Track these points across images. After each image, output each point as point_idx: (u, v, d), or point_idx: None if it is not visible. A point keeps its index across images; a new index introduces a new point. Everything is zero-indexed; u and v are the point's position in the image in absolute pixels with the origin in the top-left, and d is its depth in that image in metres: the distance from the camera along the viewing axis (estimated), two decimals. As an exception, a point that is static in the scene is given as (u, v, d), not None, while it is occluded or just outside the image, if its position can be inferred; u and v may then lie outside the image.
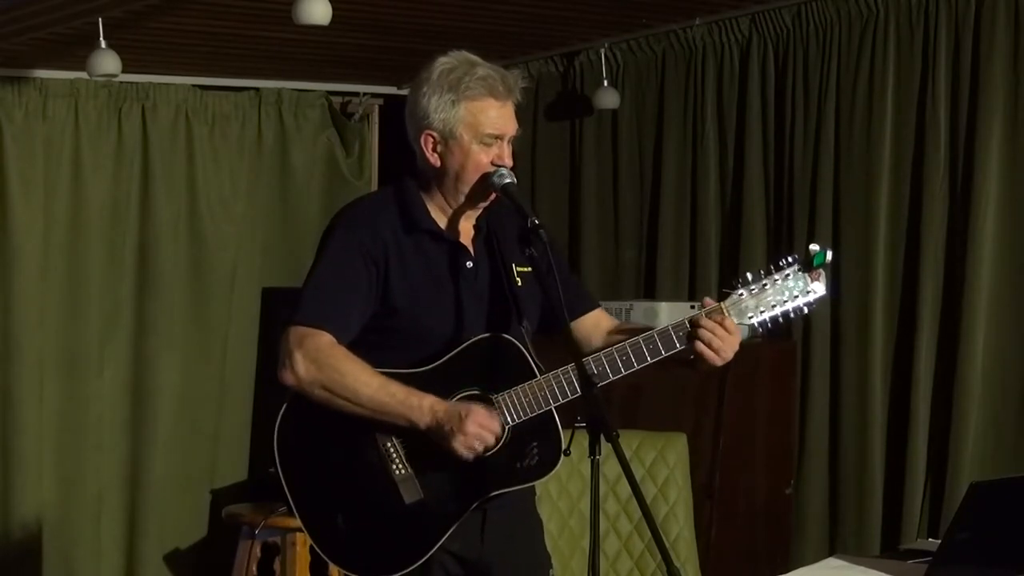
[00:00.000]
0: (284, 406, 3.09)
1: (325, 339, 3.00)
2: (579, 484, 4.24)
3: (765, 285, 3.03)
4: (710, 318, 3.01)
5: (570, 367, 2.97)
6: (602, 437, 2.76)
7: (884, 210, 5.13)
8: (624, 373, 3.02)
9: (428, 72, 3.08)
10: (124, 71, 5.33)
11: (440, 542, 3.02)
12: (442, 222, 3.12)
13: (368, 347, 3.03)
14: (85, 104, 6.16)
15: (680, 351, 3.03)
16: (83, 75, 5.64)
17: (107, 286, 6.25)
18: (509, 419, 2.99)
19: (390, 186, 3.19)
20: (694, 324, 3.01)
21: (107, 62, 5.17)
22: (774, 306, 3.04)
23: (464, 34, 5.36)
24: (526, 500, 3.22)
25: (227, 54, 5.99)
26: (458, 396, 3.02)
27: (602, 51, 5.96)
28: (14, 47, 5.56)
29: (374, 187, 6.79)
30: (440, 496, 3.02)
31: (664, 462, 4.36)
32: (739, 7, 5.50)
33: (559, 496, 4.26)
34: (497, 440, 2.98)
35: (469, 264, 3.11)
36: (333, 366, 2.98)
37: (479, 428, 2.95)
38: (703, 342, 3.00)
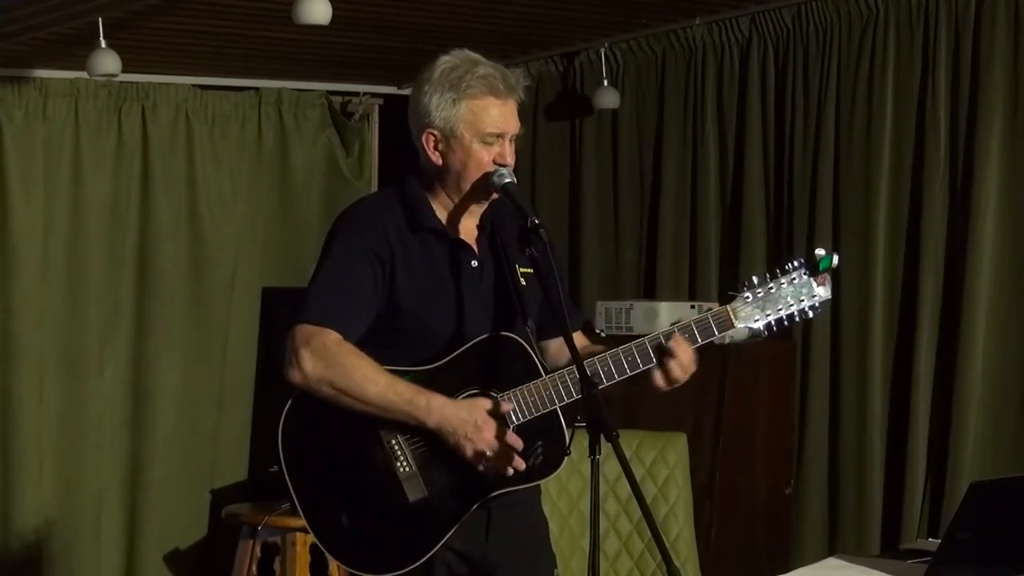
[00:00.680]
0: (288, 404, 3.08)
1: (332, 337, 3.00)
2: (579, 484, 4.24)
3: (771, 288, 3.04)
4: (717, 321, 3.02)
5: (567, 370, 2.97)
6: (602, 437, 2.76)
7: (884, 210, 5.13)
8: (629, 374, 3.03)
9: (430, 71, 3.08)
10: (124, 71, 5.33)
11: (443, 540, 3.02)
12: (446, 221, 3.12)
13: (373, 346, 3.03)
14: (85, 104, 6.16)
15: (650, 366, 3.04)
16: (83, 75, 5.64)
17: (107, 286, 6.25)
18: (514, 418, 2.99)
19: (394, 185, 3.19)
20: (665, 352, 3.01)
21: (107, 62, 5.17)
22: (779, 309, 3.04)
23: (464, 34, 5.36)
24: (531, 500, 3.22)
25: (227, 54, 5.99)
26: (462, 396, 3.03)
27: (602, 51, 5.96)
28: (14, 47, 5.56)
29: (374, 187, 6.79)
30: (444, 494, 3.02)
31: (664, 462, 4.36)
32: (739, 7, 5.50)
33: (559, 496, 4.26)
34: (507, 420, 2.99)
35: (474, 263, 3.11)
36: (340, 363, 2.98)
37: (493, 439, 2.96)
38: (677, 362, 3.00)
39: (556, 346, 3.23)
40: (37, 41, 5.45)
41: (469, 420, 2.96)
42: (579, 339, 3.27)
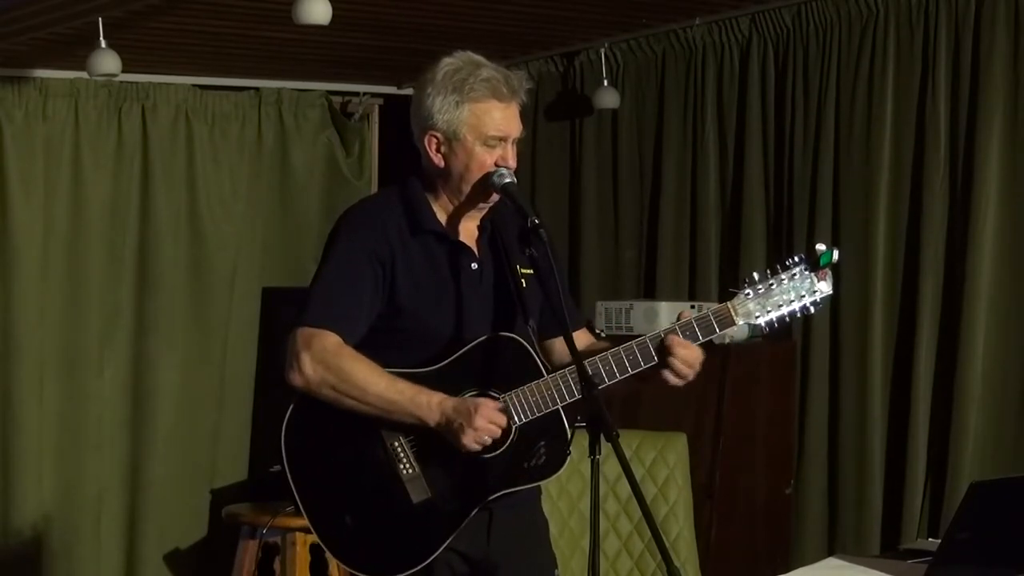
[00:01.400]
0: (291, 406, 3.09)
1: (332, 339, 3.01)
2: (579, 484, 4.24)
3: (772, 285, 3.04)
4: (675, 341, 3.01)
5: (586, 363, 2.96)
6: (602, 437, 2.76)
7: (884, 210, 5.13)
8: (631, 373, 3.03)
9: (432, 73, 3.08)
10: (124, 71, 5.33)
11: (447, 541, 3.02)
12: (446, 223, 3.12)
13: (374, 347, 3.04)
14: (85, 104, 6.16)
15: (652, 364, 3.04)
16: (83, 75, 5.64)
17: (107, 286, 6.25)
18: (517, 419, 3.00)
19: (395, 186, 3.19)
20: (668, 347, 3.01)
21: (107, 62, 5.17)
22: (780, 306, 3.04)
23: (464, 34, 5.36)
24: (533, 500, 3.22)
25: (227, 54, 5.99)
26: (465, 395, 3.03)
27: (602, 51, 5.96)
28: (14, 47, 5.56)
29: (374, 187, 6.79)
30: (447, 495, 3.03)
31: (664, 462, 4.36)
32: (739, 7, 5.50)
33: (559, 496, 4.26)
34: (505, 435, 2.98)
35: (474, 265, 3.12)
36: (340, 366, 2.99)
37: (487, 423, 2.95)
38: (670, 365, 3.01)
39: (561, 345, 3.22)
40: (37, 41, 5.45)
41: (463, 408, 2.96)
42: (583, 337, 3.28)
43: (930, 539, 4.47)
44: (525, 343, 3.06)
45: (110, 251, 6.25)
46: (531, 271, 3.14)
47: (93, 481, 6.24)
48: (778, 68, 5.52)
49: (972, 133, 4.90)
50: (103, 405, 6.26)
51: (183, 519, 6.41)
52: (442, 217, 3.12)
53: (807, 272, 3.04)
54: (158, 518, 6.33)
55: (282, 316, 6.32)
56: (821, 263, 3.02)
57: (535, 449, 3.01)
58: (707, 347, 3.10)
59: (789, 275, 3.03)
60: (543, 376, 3.03)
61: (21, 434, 6.07)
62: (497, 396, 3.02)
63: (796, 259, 3.05)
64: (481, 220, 3.15)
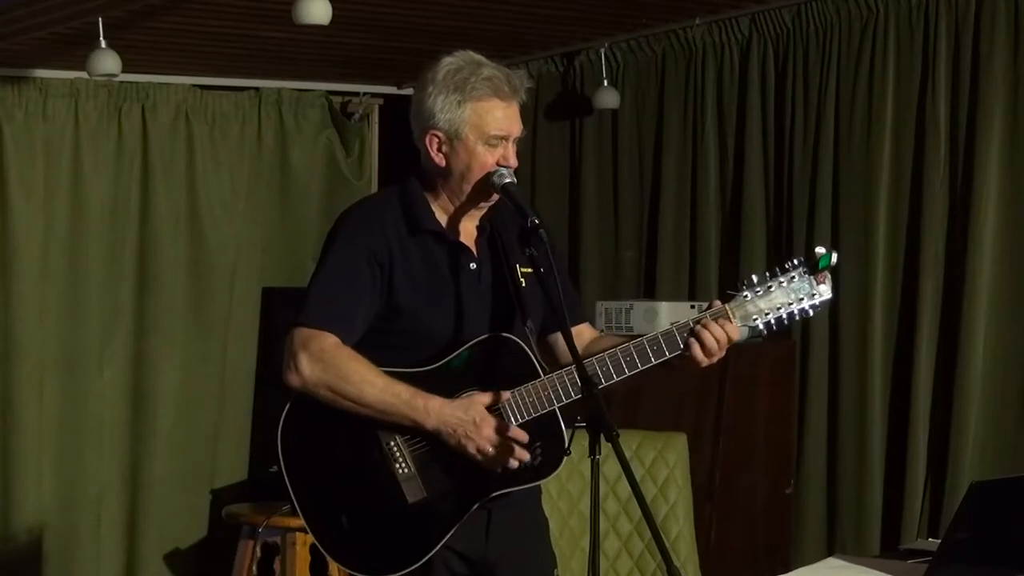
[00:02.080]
0: (288, 406, 3.09)
1: (330, 340, 3.00)
2: (579, 484, 4.24)
3: (771, 287, 3.03)
4: (715, 321, 3.00)
5: (574, 367, 2.96)
6: (602, 437, 2.76)
7: (884, 210, 5.13)
8: (628, 374, 3.02)
9: (433, 72, 3.07)
10: (124, 71, 5.33)
11: (443, 541, 3.02)
12: (445, 223, 3.12)
13: (372, 347, 3.04)
14: (85, 104, 6.16)
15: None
16: (83, 75, 5.64)
17: (107, 286, 6.25)
18: (513, 419, 2.99)
19: (394, 186, 3.18)
20: (699, 323, 3.01)
21: (107, 62, 5.17)
22: (779, 308, 3.03)
23: (464, 34, 5.36)
24: (532, 500, 3.22)
25: (227, 54, 5.99)
26: (460, 397, 3.03)
27: (602, 51, 5.96)
28: (14, 47, 5.56)
29: (374, 187, 6.79)
30: (443, 495, 3.02)
31: (664, 462, 4.36)
32: (739, 7, 5.50)
33: (559, 496, 4.26)
34: (506, 421, 2.99)
35: (472, 265, 3.11)
36: (338, 367, 2.99)
37: (491, 431, 2.96)
38: (701, 342, 2.99)
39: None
40: (37, 41, 5.45)
41: (467, 419, 2.96)
42: (587, 332, 3.28)
43: (930, 539, 4.47)
44: (522, 343, 3.05)
45: (110, 251, 6.25)
46: (531, 270, 3.13)
47: (93, 481, 6.24)
48: (778, 68, 5.52)
49: (972, 133, 4.90)
50: (103, 405, 6.26)
51: (183, 519, 6.41)
52: (441, 217, 3.12)
53: (806, 275, 3.03)
54: (158, 518, 6.33)
55: (282, 316, 6.32)
56: (820, 266, 3.02)
57: (532, 450, 3.01)
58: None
59: (788, 278, 3.03)
60: (540, 376, 3.02)
61: (21, 434, 6.08)
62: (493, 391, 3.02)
63: (795, 262, 3.04)
64: (480, 220, 3.15)
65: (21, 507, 6.10)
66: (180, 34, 5.52)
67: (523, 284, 3.13)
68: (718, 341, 2.99)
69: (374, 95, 6.81)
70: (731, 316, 3.02)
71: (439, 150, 3.07)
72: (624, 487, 4.25)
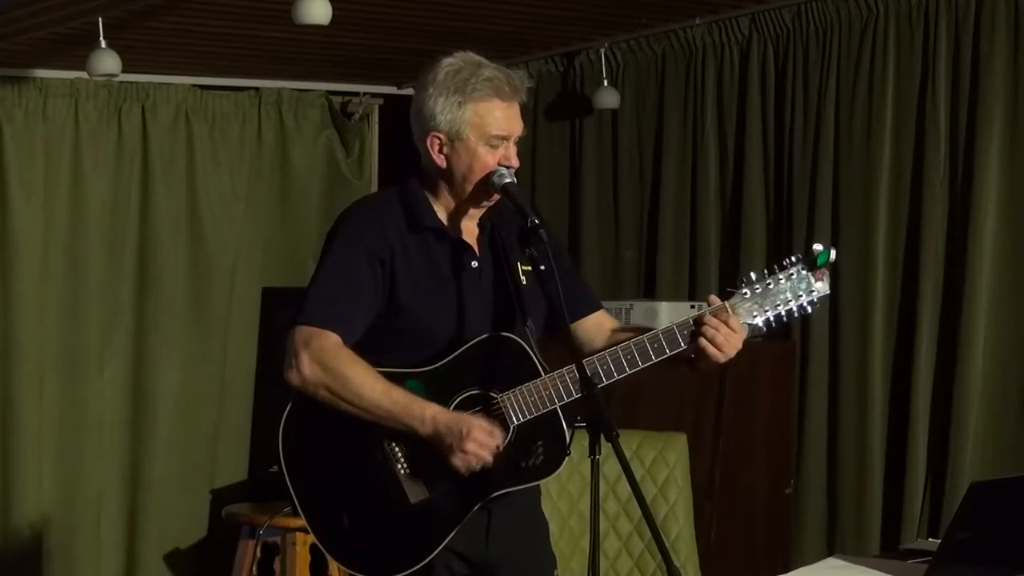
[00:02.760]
0: (289, 406, 3.09)
1: (331, 340, 3.00)
2: (579, 484, 4.24)
3: (769, 284, 3.03)
4: (715, 316, 3.00)
5: (574, 366, 2.96)
6: (602, 437, 2.76)
7: (884, 210, 5.13)
8: (629, 372, 3.02)
9: (433, 73, 3.07)
10: (124, 71, 5.33)
11: (446, 541, 3.02)
12: (446, 221, 3.12)
13: (373, 346, 3.04)
14: (85, 104, 6.16)
15: (683, 350, 3.03)
16: (83, 75, 5.64)
17: (107, 286, 6.25)
18: (514, 418, 2.99)
19: (394, 186, 3.18)
20: (699, 322, 3.01)
21: (107, 62, 5.17)
22: (777, 305, 3.03)
23: (464, 34, 5.36)
24: (532, 500, 3.22)
25: (227, 54, 5.99)
26: (461, 396, 3.03)
27: (602, 51, 5.96)
28: (14, 47, 5.56)
29: (374, 187, 6.79)
30: (445, 495, 3.02)
31: (664, 462, 4.36)
32: (739, 7, 5.50)
33: (559, 496, 4.26)
34: (496, 455, 2.98)
35: (474, 263, 3.11)
36: (338, 368, 2.99)
37: (477, 447, 2.95)
38: (707, 339, 2.99)
39: (593, 323, 3.25)
40: (37, 41, 5.45)
41: (455, 430, 2.96)
42: (608, 320, 3.30)
43: (930, 539, 4.47)
44: (523, 343, 3.05)
45: (110, 251, 6.25)
46: (531, 268, 3.13)
47: (93, 481, 6.24)
48: (778, 68, 5.52)
49: (972, 133, 4.90)
50: (103, 405, 6.26)
51: (183, 519, 6.41)
52: (442, 216, 3.12)
53: (804, 272, 3.03)
54: (158, 518, 6.33)
55: (282, 316, 6.32)
56: (818, 263, 3.02)
57: (533, 448, 3.01)
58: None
59: (787, 275, 3.03)
60: (541, 376, 3.02)
61: (21, 434, 6.08)
62: (495, 397, 3.02)
63: (793, 259, 3.04)
64: (481, 219, 3.15)
65: (21, 507, 6.10)
66: (180, 34, 5.52)
67: (524, 282, 3.12)
68: (719, 332, 2.99)
69: (374, 95, 6.81)
70: (730, 312, 3.02)
71: (440, 151, 3.07)
72: (624, 487, 4.25)
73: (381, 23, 5.43)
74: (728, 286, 3.08)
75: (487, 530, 3.10)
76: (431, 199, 3.12)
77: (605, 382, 3.00)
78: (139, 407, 6.33)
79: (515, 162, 3.08)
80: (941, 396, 4.99)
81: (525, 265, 3.14)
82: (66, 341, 6.18)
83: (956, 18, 4.94)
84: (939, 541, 3.50)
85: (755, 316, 3.03)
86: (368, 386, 2.99)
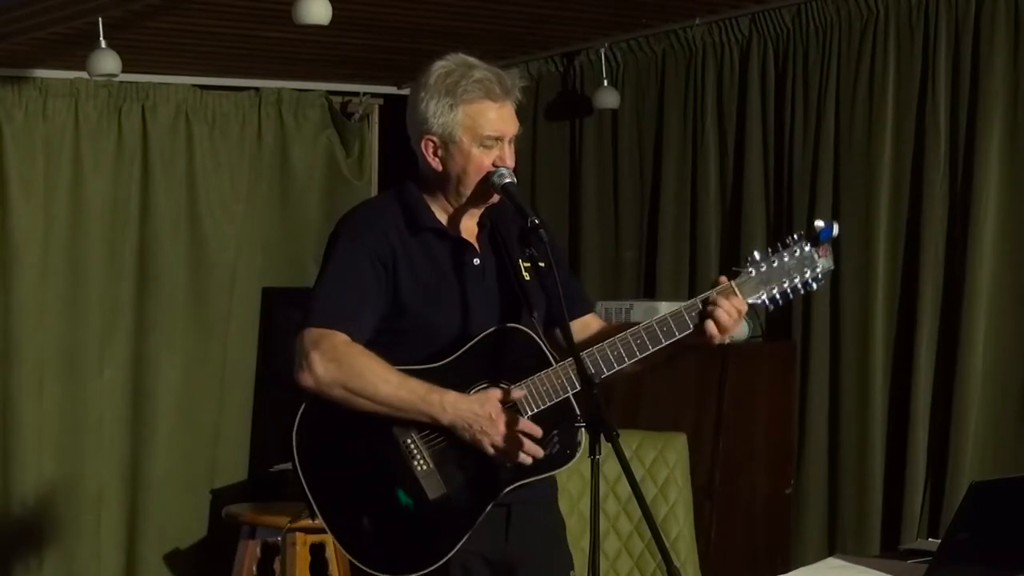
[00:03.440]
0: (302, 407, 3.06)
1: (340, 338, 3.00)
2: (579, 484, 4.24)
3: (773, 263, 3.04)
4: (722, 296, 3.01)
5: (586, 353, 2.97)
6: (602, 437, 2.76)
7: (884, 210, 5.13)
8: (640, 356, 3.03)
9: (425, 76, 3.07)
10: (124, 71, 5.33)
11: (465, 537, 3.01)
12: (446, 221, 3.12)
13: (381, 347, 3.03)
14: (85, 104, 6.16)
15: (689, 332, 3.04)
16: (83, 75, 5.64)
17: (107, 286, 6.25)
18: (528, 409, 3.00)
19: (392, 189, 3.18)
20: (707, 302, 3.01)
21: (107, 62, 5.17)
22: (783, 282, 3.04)
23: (464, 34, 5.37)
24: (549, 498, 3.22)
25: (227, 54, 5.99)
26: (473, 390, 3.03)
27: (602, 51, 5.96)
28: (14, 47, 5.56)
29: (374, 187, 6.79)
30: (463, 489, 3.02)
31: (664, 462, 4.36)
32: (739, 7, 5.50)
33: (559, 496, 4.25)
34: (520, 411, 2.99)
35: (476, 261, 3.12)
36: (351, 364, 2.98)
37: (506, 432, 2.96)
38: (713, 319, 3.01)
39: (579, 325, 3.23)
40: (37, 41, 5.45)
41: (483, 414, 2.96)
42: (595, 322, 3.30)
43: (930, 539, 4.47)
44: (532, 333, 3.05)
45: (110, 251, 6.25)
46: (530, 265, 3.14)
47: (93, 481, 6.24)
48: (778, 68, 5.52)
49: (972, 133, 4.90)
50: (103, 405, 6.26)
51: (183, 519, 6.41)
52: (441, 216, 3.12)
53: (808, 248, 3.04)
54: (158, 518, 6.33)
55: (282, 316, 6.34)
56: (821, 239, 3.02)
57: (548, 438, 3.01)
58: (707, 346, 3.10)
59: (790, 252, 3.03)
60: (552, 365, 3.02)
61: (21, 434, 6.08)
62: (507, 387, 3.02)
63: (796, 236, 3.05)
64: (480, 217, 3.15)
65: (21, 506, 6.10)
66: (180, 34, 5.52)
67: (526, 278, 3.13)
68: (728, 315, 3.00)
69: (374, 95, 6.81)
70: (736, 293, 3.03)
71: (435, 154, 3.08)
72: (624, 487, 4.25)
73: (381, 23, 5.43)
74: (732, 267, 3.08)
75: (507, 529, 3.10)
76: (429, 200, 3.12)
77: (617, 367, 3.01)
78: (139, 407, 6.33)
79: (510, 162, 3.07)
80: (941, 396, 4.99)
81: (525, 262, 3.14)
82: (66, 341, 6.18)
83: (956, 18, 4.94)
84: (939, 541, 3.50)
85: (761, 294, 3.04)
86: (383, 379, 2.98)
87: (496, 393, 2.99)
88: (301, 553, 5.55)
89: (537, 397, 3.00)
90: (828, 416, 5.31)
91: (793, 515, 5.34)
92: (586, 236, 6.19)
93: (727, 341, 3.07)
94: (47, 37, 5.38)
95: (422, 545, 3.02)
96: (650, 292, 5.93)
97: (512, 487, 3.03)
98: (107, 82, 6.04)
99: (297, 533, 5.48)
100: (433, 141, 3.06)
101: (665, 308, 5.27)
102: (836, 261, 5.21)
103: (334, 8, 4.56)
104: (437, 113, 3.04)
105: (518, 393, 2.99)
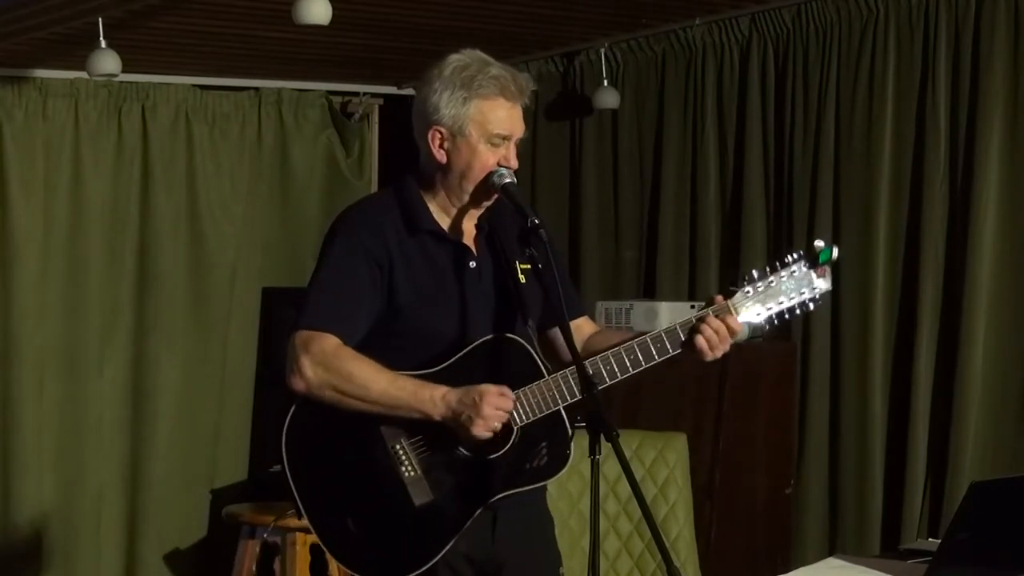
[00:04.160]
0: (292, 409, 3.07)
1: (331, 341, 3.00)
2: (579, 484, 4.24)
3: (771, 282, 3.03)
4: (717, 316, 3.01)
5: (587, 363, 2.96)
6: (602, 437, 2.76)
7: (884, 210, 5.13)
8: (632, 372, 3.02)
9: (440, 68, 3.07)
10: (124, 71, 5.33)
11: (451, 543, 3.02)
12: (444, 222, 3.11)
13: (376, 349, 3.03)
14: (85, 104, 6.16)
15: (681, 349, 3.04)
16: (83, 75, 5.64)
17: (107, 286, 6.25)
18: (518, 419, 2.99)
19: (391, 187, 3.18)
20: (701, 320, 3.01)
21: (107, 62, 5.17)
22: (780, 302, 3.03)
23: (464, 34, 5.36)
24: (538, 498, 3.21)
25: (227, 54, 5.99)
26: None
27: (602, 51, 5.96)
28: (14, 47, 5.56)
29: (374, 187, 6.79)
30: (450, 497, 3.02)
31: (664, 462, 4.36)
32: (739, 7, 5.50)
33: (559, 496, 4.25)
34: (508, 434, 2.98)
35: (472, 264, 3.11)
36: (340, 367, 2.98)
37: (493, 409, 2.94)
38: (704, 337, 3.00)
39: (572, 327, 3.21)
40: (37, 41, 5.45)
41: (468, 400, 2.95)
42: (588, 325, 3.28)
43: (930, 539, 4.46)
44: (526, 344, 3.05)
45: (110, 251, 6.25)
46: (528, 266, 3.13)
47: (93, 481, 6.24)
48: (778, 68, 5.52)
49: (972, 133, 4.90)
50: (103, 405, 6.26)
51: (183, 519, 6.41)
52: (439, 216, 3.11)
53: (806, 269, 3.03)
54: (158, 518, 6.33)
55: (282, 316, 6.32)
56: (820, 260, 3.02)
57: (537, 449, 3.01)
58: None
59: (788, 272, 3.03)
60: (544, 377, 3.02)
61: (21, 434, 6.08)
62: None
63: (795, 256, 3.05)
64: (479, 219, 3.14)
65: (21, 507, 6.10)
66: (180, 34, 5.52)
67: (523, 281, 3.12)
68: (718, 334, 3.00)
69: (374, 95, 6.81)
70: (732, 311, 3.02)
71: (441, 146, 3.07)
72: (624, 487, 4.25)
73: (381, 23, 5.43)
74: (729, 285, 3.08)
75: (493, 530, 3.09)
76: (428, 199, 3.11)
77: (608, 382, 3.00)
78: (139, 407, 6.33)
79: (514, 163, 3.07)
80: (941, 396, 4.99)
81: (524, 264, 3.13)
82: (66, 341, 6.18)
83: (956, 18, 4.94)
84: (939, 541, 3.50)
85: (758, 314, 3.04)
86: (373, 379, 2.98)
87: (491, 387, 2.97)
88: (301, 553, 5.55)
89: (528, 408, 3.00)
90: (828, 416, 5.31)
91: (793, 515, 5.34)
92: (586, 236, 6.19)
93: (718, 356, 3.04)
94: (47, 37, 5.38)
95: (407, 550, 3.03)
96: (650, 292, 5.93)
97: (499, 496, 3.03)
98: (107, 82, 6.04)
99: (297, 533, 5.48)
100: (441, 132, 3.06)
101: (665, 308, 5.33)
102: (836, 260, 5.25)
103: (334, 8, 4.56)
104: (449, 104, 3.04)
105: (508, 400, 2.99)
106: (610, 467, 3.88)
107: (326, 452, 3.07)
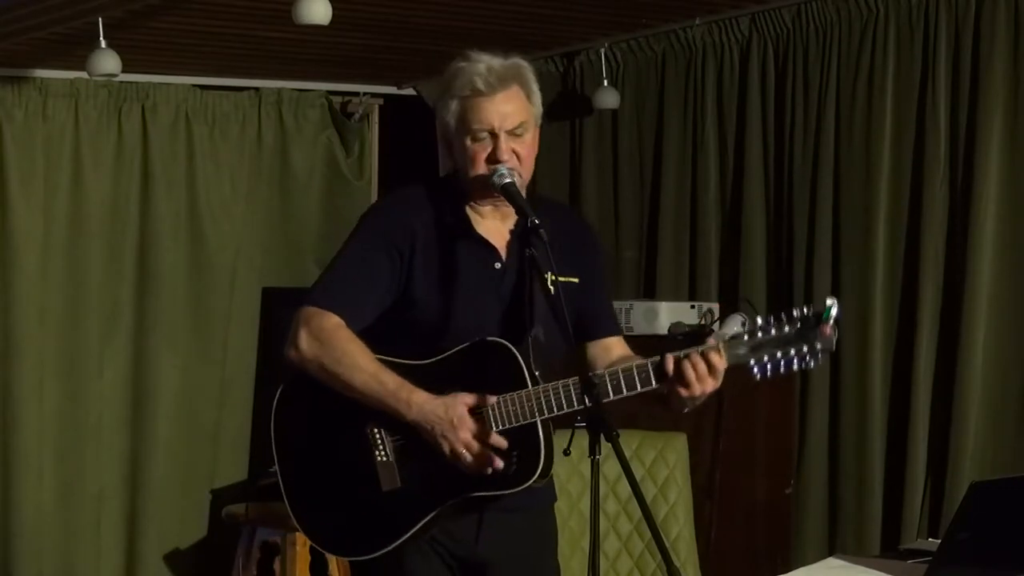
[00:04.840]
0: (280, 387, 3.18)
1: (332, 320, 3.04)
2: (579, 484, 4.24)
3: (771, 330, 2.87)
4: (704, 354, 2.90)
5: (571, 381, 2.93)
6: (602, 437, 2.75)
7: (884, 210, 5.13)
8: (612, 399, 2.94)
9: (443, 76, 3.13)
10: (124, 71, 5.33)
11: (410, 532, 3.03)
12: (476, 221, 3.13)
13: (381, 332, 3.07)
14: (85, 104, 6.16)
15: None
16: (83, 75, 5.64)
17: (107, 286, 6.25)
18: (495, 425, 2.98)
19: (441, 179, 3.24)
20: (686, 356, 2.91)
21: (107, 62, 5.17)
22: (776, 352, 2.86)
23: (464, 34, 5.36)
24: (538, 505, 3.20)
25: (227, 54, 5.99)
26: (446, 395, 3.02)
27: (602, 51, 5.96)
28: (14, 47, 5.56)
29: (374, 187, 6.79)
30: (417, 488, 3.03)
31: (664, 462, 4.36)
32: (739, 7, 5.50)
33: (559, 496, 4.25)
34: (483, 448, 2.97)
35: (497, 265, 3.11)
36: (333, 346, 3.02)
37: (465, 446, 2.96)
38: (683, 374, 2.90)
39: (601, 346, 3.22)
40: (37, 41, 5.45)
41: (445, 418, 2.96)
42: (620, 347, 3.24)
43: (930, 539, 4.47)
44: (516, 351, 3.01)
45: (110, 251, 6.25)
46: (575, 279, 3.12)
47: (93, 481, 6.24)
48: (778, 68, 5.52)
49: (972, 133, 4.90)
50: (103, 405, 6.26)
51: (183, 519, 6.41)
52: (474, 217, 3.13)
53: (811, 326, 2.85)
54: (158, 518, 6.33)
55: (282, 316, 6.30)
56: (823, 318, 2.87)
57: (508, 457, 2.99)
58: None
59: (792, 324, 2.87)
60: (527, 386, 2.98)
61: (21, 434, 6.08)
62: (480, 395, 3.00)
63: (803, 311, 2.85)
64: (516, 224, 3.12)
65: (21, 507, 6.10)
66: (180, 34, 5.52)
67: (551, 291, 3.03)
68: (696, 372, 2.89)
69: (374, 95, 6.80)
70: (721, 352, 2.90)
71: (450, 151, 3.14)
72: (624, 487, 4.25)
73: (381, 23, 5.43)
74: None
75: (478, 529, 3.10)
76: (465, 200, 3.13)
77: (611, 398, 2.94)
78: (139, 407, 6.33)
79: (504, 157, 3.03)
80: (941, 396, 4.99)
81: (570, 276, 3.10)
82: (66, 341, 6.18)
83: (956, 18, 4.94)
84: (939, 541, 3.50)
85: (749, 359, 2.88)
86: (360, 367, 3.01)
87: (466, 398, 2.98)
88: (301, 553, 5.55)
89: (504, 416, 2.97)
90: (828, 416, 5.31)
91: (793, 515, 5.34)
92: (586, 236, 6.18)
93: (697, 402, 2.95)
94: (47, 37, 5.38)
95: (368, 532, 3.06)
96: (650, 292, 5.93)
97: (462, 496, 3.02)
98: (107, 82, 6.04)
99: (297, 533, 5.47)
100: (447, 137, 3.12)
101: (665, 308, 5.33)
102: (836, 261, 5.27)
103: (334, 8, 4.56)
104: (443, 111, 3.11)
105: (491, 400, 2.97)
106: (610, 467, 3.88)
107: (308, 427, 3.15)
